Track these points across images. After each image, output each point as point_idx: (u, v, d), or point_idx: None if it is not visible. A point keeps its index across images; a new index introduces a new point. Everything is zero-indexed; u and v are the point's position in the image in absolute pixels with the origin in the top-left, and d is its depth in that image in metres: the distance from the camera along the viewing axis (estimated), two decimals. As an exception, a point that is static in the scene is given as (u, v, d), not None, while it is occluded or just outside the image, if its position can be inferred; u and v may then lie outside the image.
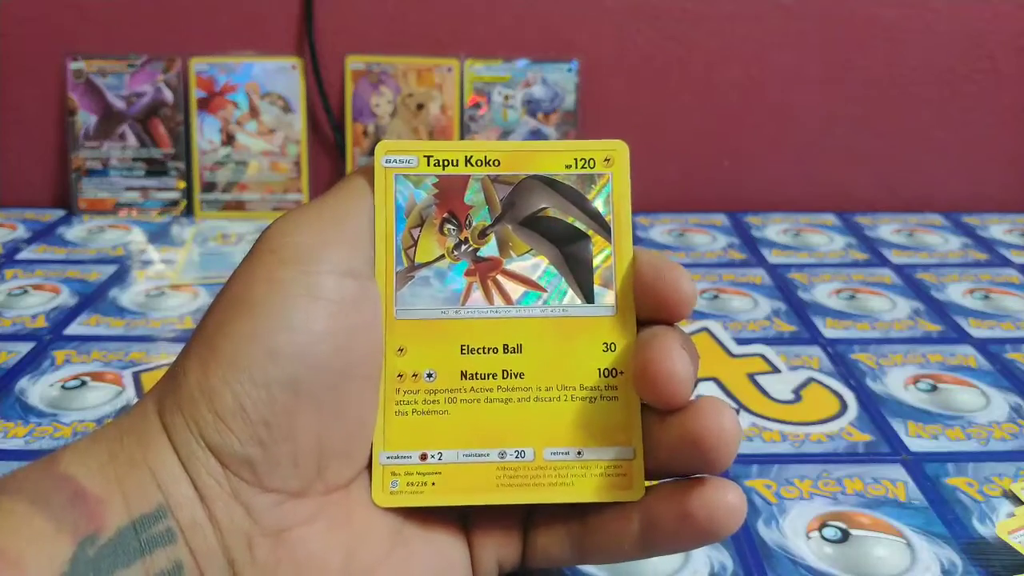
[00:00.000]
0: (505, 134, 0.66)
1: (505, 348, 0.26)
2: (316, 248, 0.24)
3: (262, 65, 0.65)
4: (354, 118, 0.66)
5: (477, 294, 0.26)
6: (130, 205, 0.66)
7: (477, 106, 0.66)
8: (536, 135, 0.66)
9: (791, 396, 0.42)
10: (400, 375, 0.25)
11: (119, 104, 0.65)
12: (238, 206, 0.66)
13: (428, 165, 0.26)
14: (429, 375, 0.25)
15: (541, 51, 0.66)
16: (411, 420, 0.25)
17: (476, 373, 0.26)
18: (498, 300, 0.26)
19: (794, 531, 0.32)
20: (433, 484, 0.25)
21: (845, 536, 0.32)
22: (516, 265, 0.26)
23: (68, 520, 0.21)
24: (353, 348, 0.24)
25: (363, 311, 0.25)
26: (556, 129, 0.66)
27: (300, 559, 0.23)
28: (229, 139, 0.66)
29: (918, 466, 0.36)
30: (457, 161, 0.26)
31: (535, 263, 0.26)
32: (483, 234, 0.26)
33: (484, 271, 0.26)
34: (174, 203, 0.66)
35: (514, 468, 0.25)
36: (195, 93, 0.65)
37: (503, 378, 0.25)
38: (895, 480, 0.35)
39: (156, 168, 0.66)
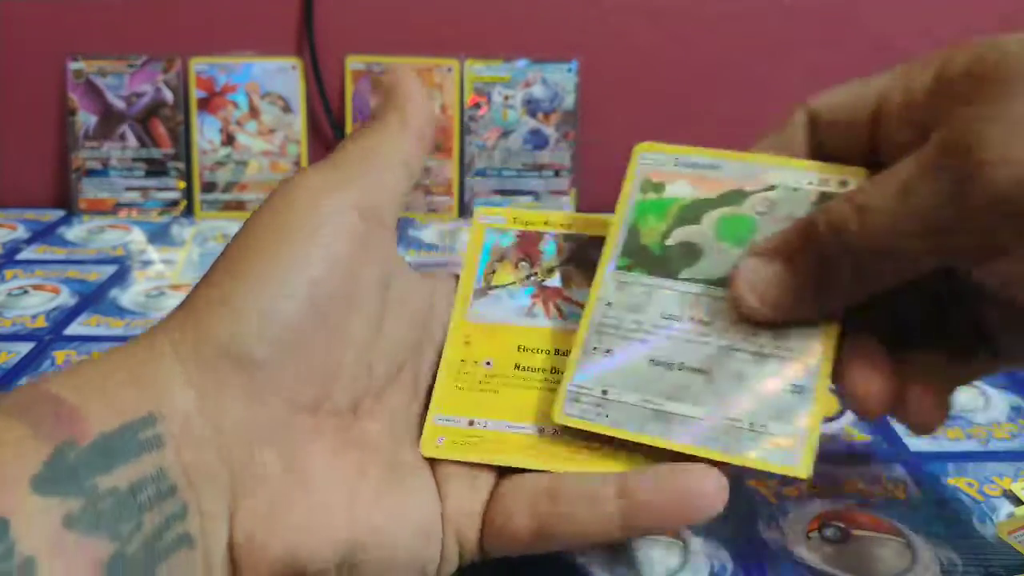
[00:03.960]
0: (505, 134, 0.66)
1: (556, 351, 0.29)
2: (343, 183, 0.26)
3: (262, 65, 0.66)
4: (354, 118, 0.66)
5: (539, 310, 0.30)
6: (130, 205, 0.66)
7: (477, 106, 0.66)
8: (536, 135, 0.66)
9: (791, 396, 0.42)
10: (463, 360, 0.29)
11: (119, 104, 0.65)
12: (238, 206, 0.66)
13: (513, 223, 0.32)
14: (488, 363, 0.29)
15: (541, 51, 0.66)
16: (466, 394, 0.29)
17: (528, 367, 0.29)
18: (555, 316, 0.30)
19: (794, 531, 0.32)
20: (475, 444, 0.28)
21: (845, 536, 0.32)
22: (574, 294, 0.30)
23: (47, 427, 0.21)
24: (360, 282, 0.26)
25: (371, 250, 0.26)
26: (556, 129, 0.66)
27: (305, 478, 0.24)
28: (229, 139, 0.66)
29: (918, 466, 0.36)
30: (537, 222, 0.32)
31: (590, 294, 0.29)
32: (550, 271, 0.31)
33: (548, 295, 0.31)
34: (174, 203, 0.66)
35: (549, 441, 0.27)
36: (195, 93, 0.65)
37: (551, 373, 0.29)
38: (895, 480, 0.35)
39: (156, 168, 0.66)
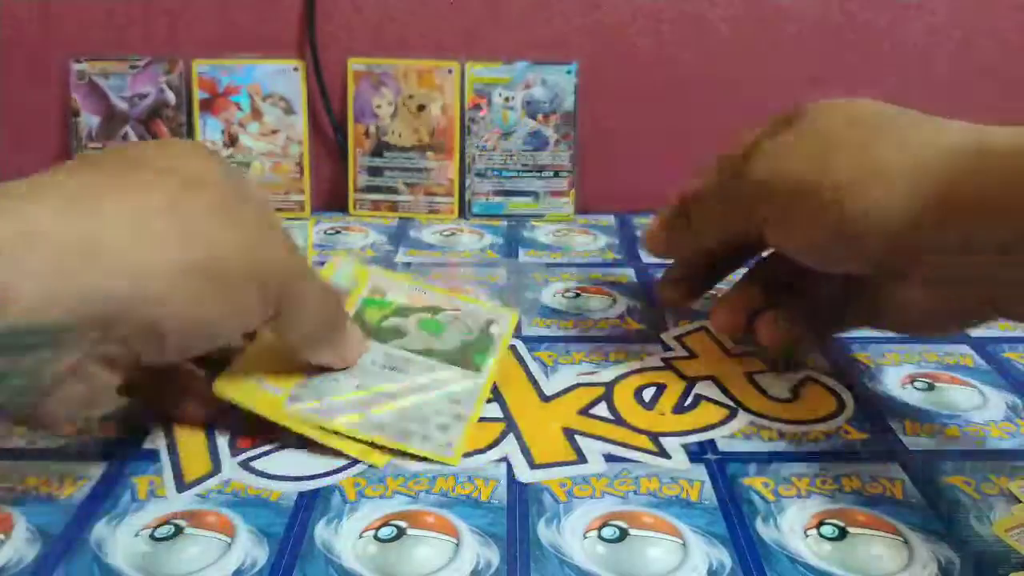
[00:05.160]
0: (505, 135, 0.66)
1: None
2: None
3: (264, 67, 0.66)
4: (356, 119, 0.66)
5: None
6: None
7: (477, 107, 0.66)
8: (535, 136, 0.66)
9: (788, 394, 0.42)
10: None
11: (122, 105, 0.66)
12: (240, 207, 0.66)
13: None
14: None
15: (540, 54, 0.67)
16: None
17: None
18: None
19: (792, 529, 0.32)
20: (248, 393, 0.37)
21: (843, 534, 0.32)
22: None
23: None
24: None
25: None
26: (555, 130, 0.66)
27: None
28: (232, 140, 0.66)
29: (915, 464, 0.37)
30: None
31: None
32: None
33: None
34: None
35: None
36: (198, 94, 0.66)
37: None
38: (892, 478, 0.35)
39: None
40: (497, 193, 0.67)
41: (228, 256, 0.29)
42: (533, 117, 0.66)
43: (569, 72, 0.66)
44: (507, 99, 0.66)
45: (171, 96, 0.66)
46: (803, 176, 0.34)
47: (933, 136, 0.33)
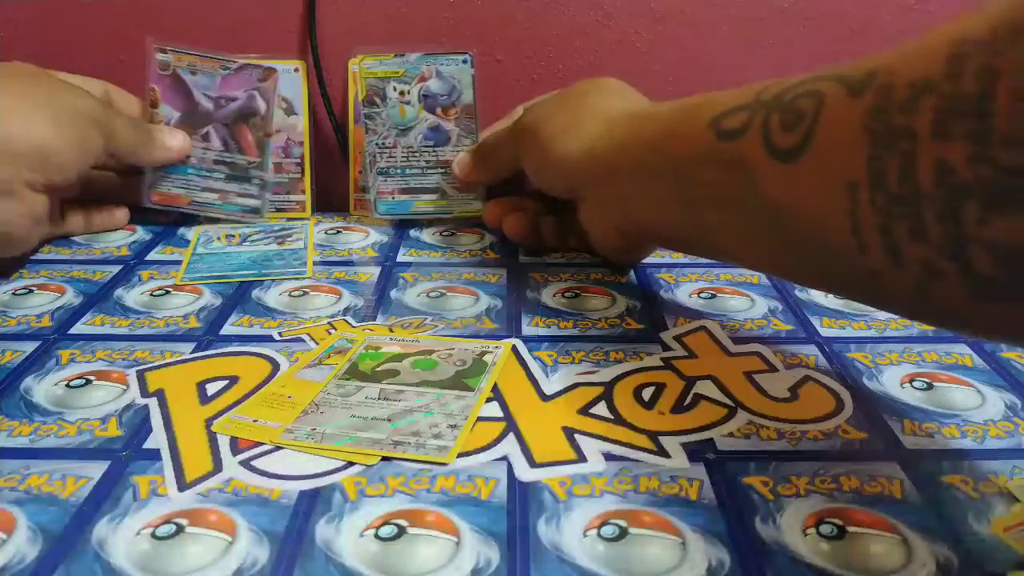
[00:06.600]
0: (403, 132, 0.63)
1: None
2: None
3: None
4: (356, 119, 0.66)
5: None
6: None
7: (372, 103, 0.63)
8: (436, 131, 0.64)
9: (788, 394, 0.42)
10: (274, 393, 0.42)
11: (207, 104, 0.63)
12: (241, 207, 0.66)
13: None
14: (290, 396, 0.42)
15: (540, 55, 0.67)
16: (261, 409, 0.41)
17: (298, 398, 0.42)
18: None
19: (791, 527, 0.33)
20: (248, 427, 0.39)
21: (842, 533, 0.32)
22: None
23: None
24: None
25: None
26: (456, 123, 0.63)
27: None
28: (232, 140, 0.66)
29: (914, 463, 0.37)
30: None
31: None
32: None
33: None
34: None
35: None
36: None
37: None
38: (891, 477, 0.36)
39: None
40: (403, 192, 0.65)
41: (75, 112, 0.53)
42: (432, 111, 0.63)
43: (465, 62, 0.62)
44: (402, 93, 0.63)
45: (262, 104, 0.64)
46: (538, 125, 0.50)
47: (620, 104, 0.48)
